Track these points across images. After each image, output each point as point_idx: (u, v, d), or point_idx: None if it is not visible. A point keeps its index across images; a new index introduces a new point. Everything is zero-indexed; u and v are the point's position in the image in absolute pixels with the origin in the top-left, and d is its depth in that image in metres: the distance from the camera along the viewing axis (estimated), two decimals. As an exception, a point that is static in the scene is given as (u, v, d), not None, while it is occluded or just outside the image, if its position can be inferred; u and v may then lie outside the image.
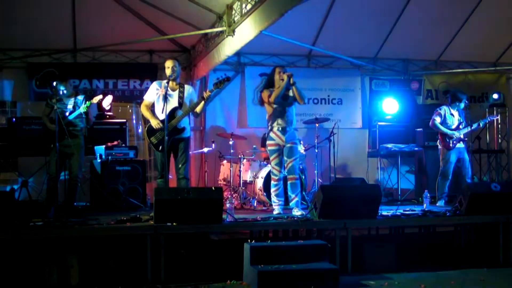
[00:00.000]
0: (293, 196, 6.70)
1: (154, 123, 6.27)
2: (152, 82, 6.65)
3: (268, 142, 6.80)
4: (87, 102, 6.75)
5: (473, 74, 10.69)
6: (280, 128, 6.69)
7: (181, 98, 6.36)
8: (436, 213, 6.65)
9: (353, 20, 9.17)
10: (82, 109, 6.73)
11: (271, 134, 6.74)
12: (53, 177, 6.58)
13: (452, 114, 7.87)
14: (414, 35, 9.64)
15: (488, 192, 6.42)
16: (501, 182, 8.35)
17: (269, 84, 6.82)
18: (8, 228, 5.28)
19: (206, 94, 6.31)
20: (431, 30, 9.58)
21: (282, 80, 6.63)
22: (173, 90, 6.34)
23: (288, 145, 6.69)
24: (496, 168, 10.06)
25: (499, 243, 6.36)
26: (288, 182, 6.73)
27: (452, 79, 10.59)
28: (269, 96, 6.68)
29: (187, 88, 6.51)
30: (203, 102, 6.35)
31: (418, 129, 9.63)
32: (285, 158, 6.73)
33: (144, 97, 6.53)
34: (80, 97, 6.93)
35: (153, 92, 6.42)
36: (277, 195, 6.77)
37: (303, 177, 7.93)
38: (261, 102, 6.88)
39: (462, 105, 7.90)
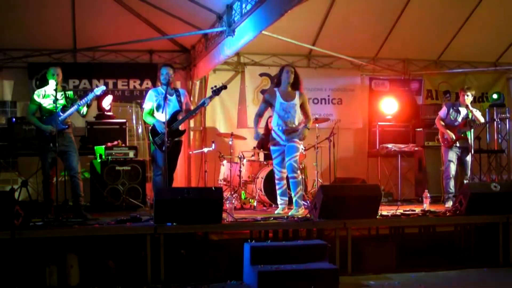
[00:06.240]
0: (292, 194, 6.72)
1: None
2: (152, 82, 6.73)
3: (270, 142, 6.86)
4: (90, 93, 6.45)
5: (473, 74, 10.68)
6: (280, 128, 6.71)
7: (180, 102, 6.65)
8: (436, 213, 6.65)
9: (353, 20, 9.16)
10: (89, 98, 6.41)
11: (273, 134, 6.79)
12: (49, 178, 6.58)
13: (458, 110, 7.67)
14: (414, 35, 9.63)
15: (488, 192, 6.42)
16: (501, 182, 8.33)
17: (277, 83, 6.86)
18: (8, 228, 5.28)
19: (208, 102, 6.69)
20: (431, 30, 9.57)
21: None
22: (171, 94, 6.60)
23: (288, 144, 6.70)
24: (496, 168, 10.04)
25: (499, 243, 6.35)
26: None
27: (452, 79, 10.58)
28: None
29: (182, 92, 6.79)
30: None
31: (418, 129, 9.62)
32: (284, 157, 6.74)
33: (145, 106, 6.70)
34: (69, 92, 6.69)
35: (153, 100, 6.62)
36: (279, 194, 6.82)
37: (302, 176, 7.91)
38: None
39: (468, 97, 7.55)
